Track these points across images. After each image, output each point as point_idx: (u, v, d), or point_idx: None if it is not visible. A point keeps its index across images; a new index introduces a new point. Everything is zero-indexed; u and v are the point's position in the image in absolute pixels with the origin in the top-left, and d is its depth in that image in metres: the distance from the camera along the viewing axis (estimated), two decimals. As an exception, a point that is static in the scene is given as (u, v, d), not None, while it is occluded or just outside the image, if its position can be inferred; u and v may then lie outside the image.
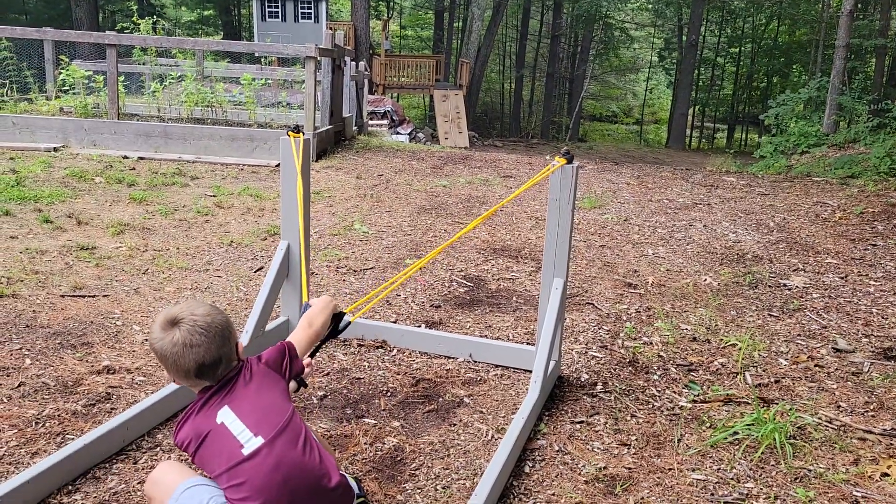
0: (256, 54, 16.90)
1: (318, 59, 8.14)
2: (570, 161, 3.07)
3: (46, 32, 8.43)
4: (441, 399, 3.12)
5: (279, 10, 21.78)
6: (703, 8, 28.01)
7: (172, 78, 8.85)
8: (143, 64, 9.53)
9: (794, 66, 32.83)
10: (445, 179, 7.67)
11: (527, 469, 2.64)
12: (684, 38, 31.06)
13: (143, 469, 2.47)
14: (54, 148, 7.52)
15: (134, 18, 9.87)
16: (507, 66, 40.00)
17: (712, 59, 36.70)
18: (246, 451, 1.79)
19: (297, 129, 3.45)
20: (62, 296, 3.92)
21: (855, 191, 7.58)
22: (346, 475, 2.09)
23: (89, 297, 3.94)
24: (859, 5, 19.75)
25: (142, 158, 7.42)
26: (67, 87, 8.69)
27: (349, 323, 2.37)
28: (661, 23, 36.37)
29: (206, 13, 35.92)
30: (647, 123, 42.69)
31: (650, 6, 34.53)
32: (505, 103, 38.97)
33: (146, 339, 3.48)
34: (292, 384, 2.04)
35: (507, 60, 39.83)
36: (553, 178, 3.09)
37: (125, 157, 7.37)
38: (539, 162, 9.38)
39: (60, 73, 8.66)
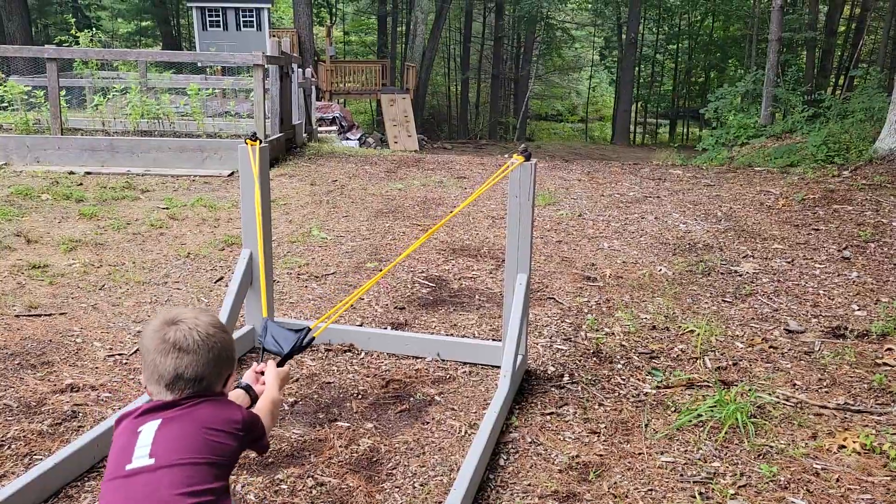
0: (200, 64, 16.63)
1: (266, 66, 8.08)
2: (528, 158, 3.14)
3: (-20, 48, 8.19)
4: (412, 399, 3.15)
5: (220, 18, 21.50)
6: (641, 6, 28.63)
7: (116, 90, 8.67)
8: (84, 77, 9.31)
9: (731, 61, 33.80)
10: (400, 183, 7.69)
11: (501, 462, 2.68)
12: (624, 36, 31.68)
13: (116, 485, 2.43)
14: (-4, 166, 7.32)
15: (73, 31, 9.63)
16: (452, 69, 40.18)
17: (652, 56, 37.51)
18: (129, 467, 1.50)
19: (255, 137, 3.45)
20: (17, 316, 3.82)
21: (795, 178, 7.85)
22: None
23: (45, 315, 3.85)
24: (788, 0, 20.47)
25: (89, 173, 7.26)
26: (6, 104, 8.44)
27: (313, 339, 2.30)
28: (600, 22, 37.00)
29: (143, 24, 35.25)
30: (592, 121, 43.39)
31: (589, 5, 35.17)
32: (452, 106, 39.14)
33: (109, 355, 3.43)
34: None
35: (452, 63, 40.01)
36: (512, 176, 3.15)
37: (71, 173, 7.19)
38: (491, 162, 9.48)
39: (-1, 89, 8.41)
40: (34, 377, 3.17)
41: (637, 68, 33.49)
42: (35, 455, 2.58)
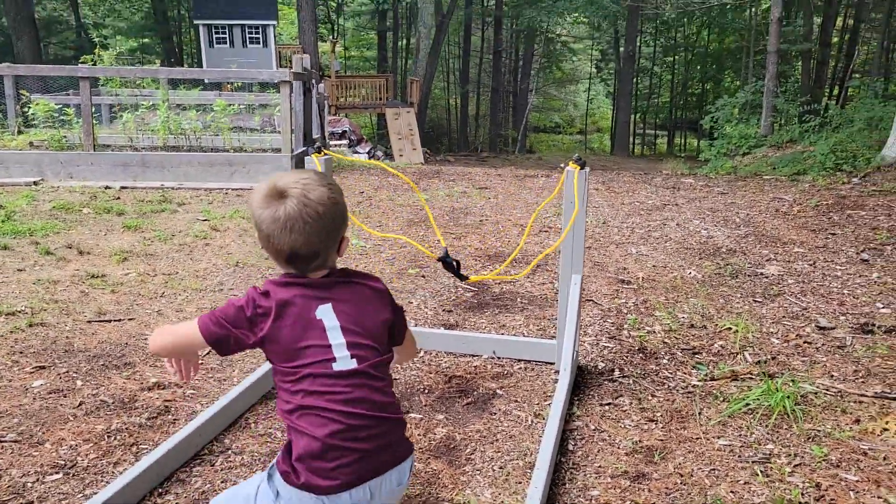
0: (207, 80, 16.87)
1: (293, 82, 8.33)
2: (582, 167, 3.36)
3: (17, 68, 8.41)
4: (476, 392, 3.35)
5: (227, 35, 21.81)
6: (638, 20, 29.04)
7: (145, 107, 8.91)
8: (110, 95, 9.55)
9: (727, 72, 34.26)
10: (425, 193, 7.91)
11: (570, 447, 2.89)
12: (621, 48, 32.09)
13: (220, 470, 2.64)
14: (34, 182, 7.52)
15: (97, 51, 9.89)
16: (451, 83, 40.60)
17: (649, 69, 38.00)
18: (336, 367, 1.61)
19: (319, 149, 3.67)
20: (89, 321, 4.02)
21: (806, 186, 8.10)
22: None
23: (115, 321, 4.05)
24: (784, 12, 20.85)
25: (124, 188, 7.47)
26: (37, 122, 8.67)
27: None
28: (598, 35, 37.49)
29: (144, 41, 35.56)
30: (590, 132, 43.82)
31: (586, 19, 35.65)
32: (451, 119, 39.51)
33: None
34: None
35: (452, 77, 40.42)
36: (567, 183, 3.37)
37: (107, 188, 7.41)
38: (508, 173, 9.72)
39: (29, 108, 8.63)
40: (120, 377, 3.36)
41: (635, 80, 33.90)
42: (141, 445, 2.77)
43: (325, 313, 1.62)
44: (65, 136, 8.64)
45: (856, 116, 11.79)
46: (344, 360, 1.62)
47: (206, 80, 16.61)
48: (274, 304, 1.60)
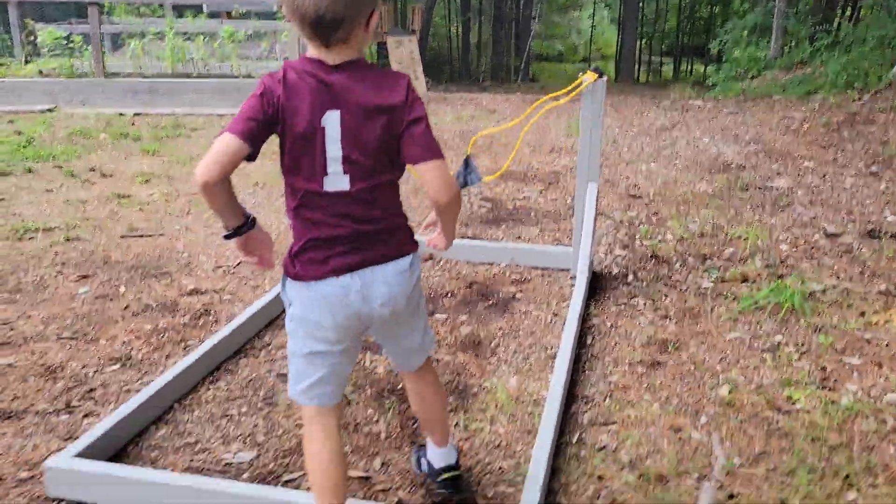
0: (206, 8, 16.60)
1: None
2: (600, 76, 3.44)
3: (21, -6, 8.37)
4: (496, 296, 3.52)
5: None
6: (646, -60, 28.26)
7: (153, 34, 8.87)
8: (115, 24, 9.50)
9: (736, -6, 33.46)
10: (434, 118, 7.95)
11: (588, 341, 3.06)
12: (628, -29, 31.29)
13: (264, 362, 2.83)
14: (48, 109, 7.57)
15: (99, -23, 9.76)
16: (452, 11, 39.79)
17: (656, -8, 37.08)
18: (327, 185, 1.59)
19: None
20: (122, 237, 4.17)
21: (816, 104, 8.12)
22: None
23: (147, 236, 4.21)
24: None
25: (137, 114, 7.54)
26: (47, 50, 8.66)
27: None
28: (603, -43, 36.50)
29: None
30: (594, 60, 43.10)
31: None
32: (452, 48, 38.87)
33: (217, 267, 3.79)
34: None
35: (453, 4, 39.59)
36: (585, 93, 3.45)
37: (121, 114, 7.47)
38: (516, 99, 9.73)
39: (38, 37, 8.61)
40: (160, 284, 3.53)
41: (641, 4, 33.18)
42: (188, 340, 2.96)
43: (331, 121, 1.56)
44: (73, 65, 8.65)
45: (868, 35, 11.61)
46: (336, 177, 1.59)
47: (204, 6, 16.38)
48: (286, 97, 1.56)
